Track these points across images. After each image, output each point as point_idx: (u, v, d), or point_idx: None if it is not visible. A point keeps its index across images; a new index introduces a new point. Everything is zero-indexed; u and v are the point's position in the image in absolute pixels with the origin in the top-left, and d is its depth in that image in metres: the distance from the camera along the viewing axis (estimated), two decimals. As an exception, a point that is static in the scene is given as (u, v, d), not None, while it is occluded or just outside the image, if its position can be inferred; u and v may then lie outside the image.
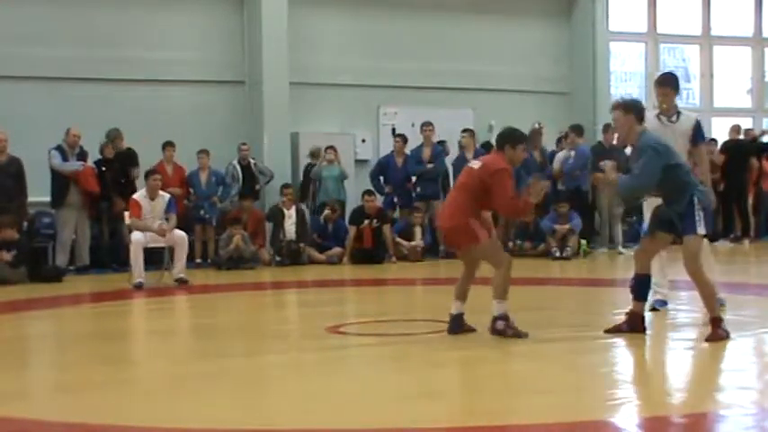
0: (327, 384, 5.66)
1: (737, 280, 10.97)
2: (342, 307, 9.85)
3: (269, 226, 14.18)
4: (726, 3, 19.65)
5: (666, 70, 18.65)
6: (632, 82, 19.55)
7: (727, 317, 7.94)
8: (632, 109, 6.85)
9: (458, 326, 7.12)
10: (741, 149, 16.77)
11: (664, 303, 8.17)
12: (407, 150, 14.76)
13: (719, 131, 18.35)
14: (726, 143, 17.00)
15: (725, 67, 19.89)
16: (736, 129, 17.11)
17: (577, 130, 15.06)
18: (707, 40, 19.56)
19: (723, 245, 15.71)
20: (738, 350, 6.52)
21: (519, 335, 6.87)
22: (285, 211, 14.03)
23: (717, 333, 6.61)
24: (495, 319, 6.93)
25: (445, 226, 7.22)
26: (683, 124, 7.93)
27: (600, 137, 15.51)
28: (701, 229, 6.63)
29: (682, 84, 20.00)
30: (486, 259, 7.10)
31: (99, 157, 13.49)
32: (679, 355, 6.59)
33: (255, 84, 15.23)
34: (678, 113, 7.97)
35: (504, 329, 6.88)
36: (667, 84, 8.08)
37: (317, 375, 6.03)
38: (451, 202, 7.22)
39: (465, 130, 14.68)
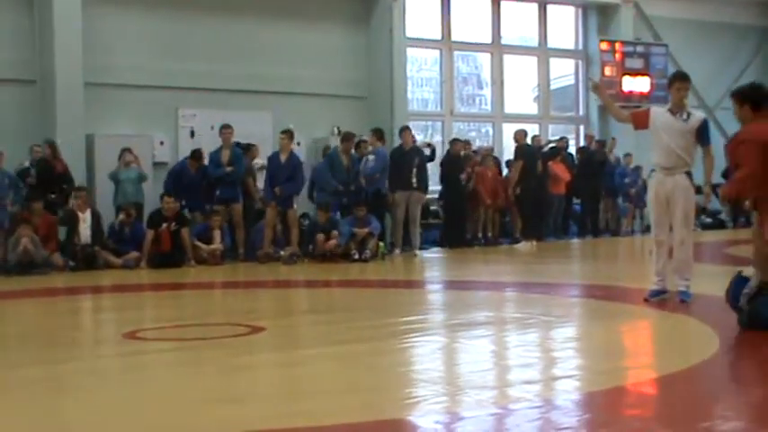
0: (126, 391, 5.58)
1: (525, 279, 11.55)
2: (139, 312, 9.68)
3: (63, 230, 13.75)
4: (514, 14, 20.53)
5: (461, 76, 19.41)
6: (428, 87, 20.13)
7: (516, 315, 8.37)
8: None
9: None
10: (531, 154, 17.53)
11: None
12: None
13: (510, 137, 19.12)
14: (519, 148, 17.66)
15: (514, 75, 20.77)
16: (521, 134, 17.70)
17: (377, 133, 15.34)
18: (497, 49, 20.37)
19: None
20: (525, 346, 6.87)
21: None
22: (79, 214, 13.65)
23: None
24: None
25: None
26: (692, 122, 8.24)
27: (397, 140, 15.82)
28: None
29: (475, 90, 20.95)
30: None
31: None
32: (478, 353, 6.81)
33: (47, 83, 14.74)
34: (689, 113, 8.31)
35: None
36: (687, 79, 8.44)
37: (114, 382, 5.94)
38: None
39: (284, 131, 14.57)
